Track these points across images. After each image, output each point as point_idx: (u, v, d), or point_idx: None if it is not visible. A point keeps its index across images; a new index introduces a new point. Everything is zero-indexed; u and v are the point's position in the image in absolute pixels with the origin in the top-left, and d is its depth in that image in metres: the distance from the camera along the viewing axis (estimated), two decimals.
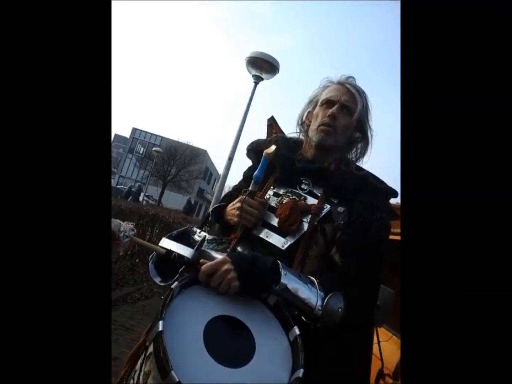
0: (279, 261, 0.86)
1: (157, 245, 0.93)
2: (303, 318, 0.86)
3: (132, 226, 0.83)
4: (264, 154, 1.05)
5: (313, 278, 0.89)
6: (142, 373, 0.71)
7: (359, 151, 1.13)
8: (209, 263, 0.82)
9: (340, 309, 0.86)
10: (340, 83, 1.12)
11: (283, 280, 0.83)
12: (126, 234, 0.83)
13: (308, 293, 0.85)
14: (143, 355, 0.73)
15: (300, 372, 0.71)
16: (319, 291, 0.87)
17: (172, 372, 0.62)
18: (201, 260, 0.84)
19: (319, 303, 0.85)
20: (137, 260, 5.03)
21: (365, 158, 1.13)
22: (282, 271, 0.84)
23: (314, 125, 1.10)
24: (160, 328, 0.67)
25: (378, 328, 1.61)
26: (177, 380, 0.61)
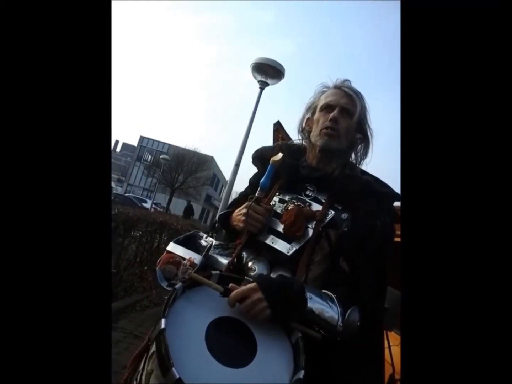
0: (304, 285, 0.88)
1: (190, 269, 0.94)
2: (322, 331, 0.87)
3: (186, 268, 0.85)
4: (271, 161, 1.07)
5: (330, 294, 0.91)
6: (144, 373, 0.72)
7: (361, 152, 1.14)
8: (239, 291, 0.83)
9: (358, 323, 0.89)
10: (337, 87, 1.14)
11: (309, 304, 0.85)
12: (183, 276, 0.85)
13: (331, 312, 0.87)
14: (146, 355, 0.74)
15: (301, 374, 0.72)
16: (338, 308, 0.88)
17: (173, 369, 0.63)
18: (231, 285, 0.85)
19: (340, 319, 0.87)
20: (145, 268, 5.04)
21: (367, 159, 1.15)
22: (308, 295, 0.86)
23: (316, 130, 1.11)
24: (163, 326, 0.68)
25: (388, 332, 1.59)
26: (178, 377, 0.62)
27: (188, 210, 16.24)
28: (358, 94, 1.11)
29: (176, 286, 0.79)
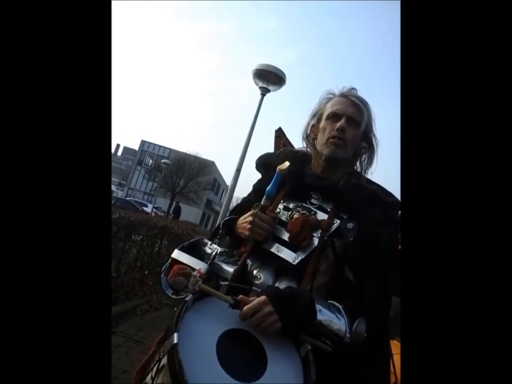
0: (313, 298, 0.89)
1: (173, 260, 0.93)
2: (328, 342, 0.87)
3: (197, 279, 0.84)
4: (278, 170, 1.06)
5: (338, 305, 0.91)
6: None
7: (366, 161, 1.14)
8: (250, 305, 0.83)
9: (365, 334, 0.88)
10: (343, 96, 1.13)
11: (319, 316, 0.85)
12: (193, 288, 0.84)
13: (339, 324, 0.87)
14: (155, 367, 0.73)
15: None
16: (346, 319, 0.88)
17: None
18: (240, 297, 0.84)
19: (348, 331, 0.87)
20: (146, 272, 5.03)
21: (372, 168, 1.14)
22: (317, 308, 0.86)
23: (322, 139, 1.11)
24: (175, 340, 0.68)
25: (391, 341, 1.58)
26: None
27: (176, 211, 17.58)
28: (365, 103, 1.11)
29: (187, 298, 0.79)
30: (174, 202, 19.67)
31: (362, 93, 1.14)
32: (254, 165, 1.26)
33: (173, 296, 0.90)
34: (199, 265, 0.93)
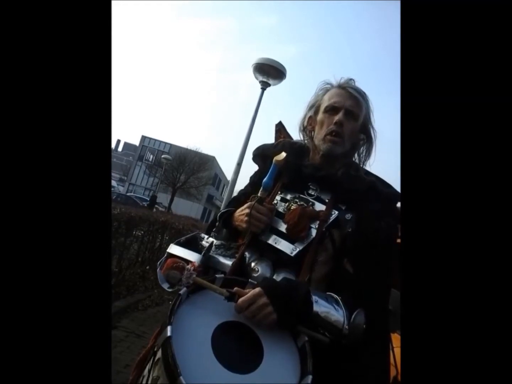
0: (309, 289, 0.88)
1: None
2: (327, 334, 0.86)
3: (190, 272, 0.83)
4: (274, 161, 1.05)
5: (336, 296, 0.90)
6: (150, 379, 0.71)
7: (364, 153, 1.12)
8: (245, 298, 0.82)
9: (364, 325, 0.87)
10: (341, 87, 1.10)
11: (315, 308, 0.85)
12: (187, 281, 0.84)
13: (336, 315, 0.86)
14: (151, 360, 0.73)
15: (309, 379, 0.71)
16: (344, 311, 0.87)
17: (181, 377, 0.62)
18: (235, 289, 0.84)
19: (346, 322, 0.86)
20: (147, 267, 5.05)
21: (371, 159, 1.13)
22: (313, 299, 0.85)
23: (320, 134, 1.09)
24: (169, 333, 0.68)
25: (392, 334, 1.59)
26: None
27: (151, 200, 19.09)
28: (363, 95, 1.09)
29: (181, 292, 0.78)
30: (151, 193, 20.73)
31: (364, 89, 1.10)
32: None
33: (169, 290, 0.89)
34: (194, 258, 0.92)
